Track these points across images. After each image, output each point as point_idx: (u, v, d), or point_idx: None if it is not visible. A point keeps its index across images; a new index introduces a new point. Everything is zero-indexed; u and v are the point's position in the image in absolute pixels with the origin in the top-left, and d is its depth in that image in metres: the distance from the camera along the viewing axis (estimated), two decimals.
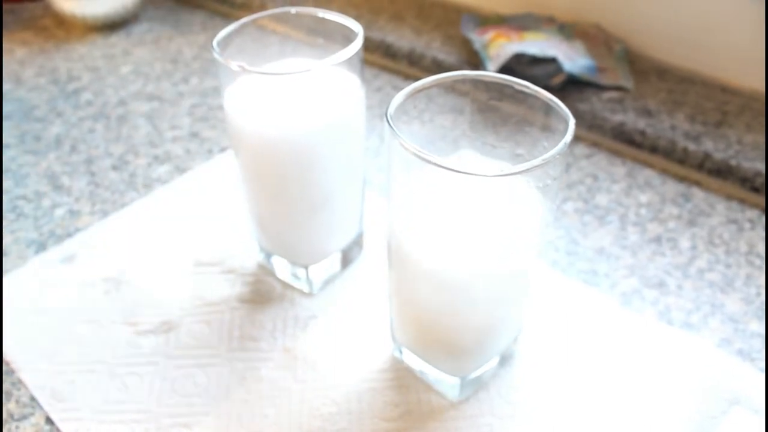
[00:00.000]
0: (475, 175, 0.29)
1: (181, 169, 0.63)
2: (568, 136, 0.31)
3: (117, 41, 0.87)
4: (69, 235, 0.55)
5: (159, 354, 0.44)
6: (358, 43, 0.40)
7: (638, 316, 0.45)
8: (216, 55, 0.39)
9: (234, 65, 0.38)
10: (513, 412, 0.39)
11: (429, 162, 0.30)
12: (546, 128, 0.34)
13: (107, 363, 0.43)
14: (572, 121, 0.31)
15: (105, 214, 0.57)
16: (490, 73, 0.35)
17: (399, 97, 0.33)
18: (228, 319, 0.46)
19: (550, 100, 0.33)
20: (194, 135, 0.68)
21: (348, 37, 0.41)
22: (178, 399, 0.41)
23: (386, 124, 0.31)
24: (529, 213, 0.33)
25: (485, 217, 0.33)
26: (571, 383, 0.41)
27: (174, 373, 0.43)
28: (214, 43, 0.40)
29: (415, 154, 0.30)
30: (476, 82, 0.36)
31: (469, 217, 0.33)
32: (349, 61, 0.40)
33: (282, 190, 0.43)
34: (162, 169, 0.63)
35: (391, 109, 0.32)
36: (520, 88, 0.35)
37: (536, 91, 0.34)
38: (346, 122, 0.42)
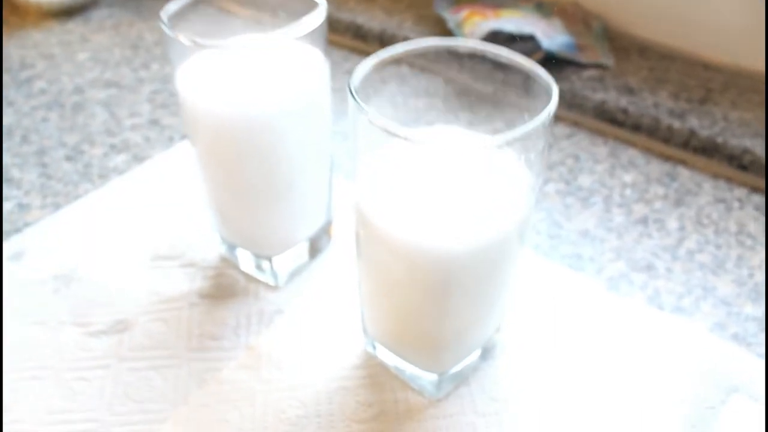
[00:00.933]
0: (454, 148, 0.26)
1: (139, 158, 0.59)
2: (552, 104, 0.28)
3: (74, 27, 0.83)
4: (17, 230, 0.51)
5: (111, 356, 0.40)
6: (320, 14, 0.36)
7: (627, 301, 0.43)
8: (165, 29, 0.35)
9: (185, 39, 0.34)
10: (497, 409, 0.37)
11: (400, 137, 0.26)
12: (527, 100, 0.31)
13: (54, 368, 0.40)
14: (555, 89, 0.28)
15: (57, 207, 0.53)
16: (465, 41, 0.32)
17: (364, 66, 0.30)
18: (187, 316, 0.43)
19: (530, 69, 0.30)
20: (154, 122, 0.64)
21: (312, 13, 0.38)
22: (132, 405, 0.38)
23: (350, 96, 0.28)
24: (512, 189, 0.30)
25: (463, 193, 0.30)
26: (558, 375, 0.38)
27: (127, 377, 0.39)
28: (164, 16, 0.36)
29: (384, 129, 0.27)
30: (450, 53, 0.33)
31: (446, 194, 0.30)
32: (311, 35, 0.36)
33: (241, 175, 0.39)
34: (119, 159, 0.59)
35: (356, 81, 0.29)
36: (496, 56, 0.31)
37: (514, 59, 0.31)
38: (309, 99, 0.38)
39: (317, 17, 0.36)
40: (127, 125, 0.64)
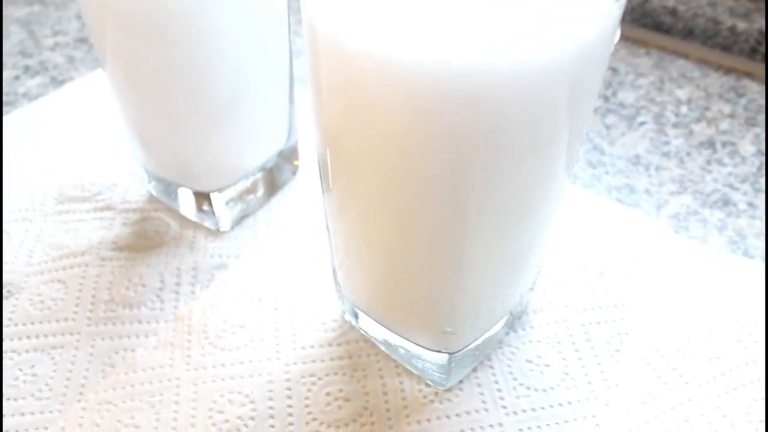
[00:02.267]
0: None
1: (58, 82, 0.46)
2: None
3: None
4: None
5: None
6: None
7: (702, 246, 0.31)
8: None
9: None
10: (533, 403, 0.25)
11: None
12: None
13: None
14: None
15: None
16: None
17: None
18: (94, 274, 0.31)
19: None
20: (82, 41, 0.51)
21: None
22: (6, 404, 0.26)
23: None
24: None
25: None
26: (617, 349, 0.27)
27: (4, 363, 0.27)
28: None
29: None
30: None
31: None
32: None
33: (167, 81, 0.27)
34: (32, 83, 0.46)
35: None
36: None
37: None
38: None
39: None
40: (47, 45, 0.51)
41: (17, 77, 0.47)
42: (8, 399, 0.26)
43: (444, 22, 0.17)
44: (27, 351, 0.28)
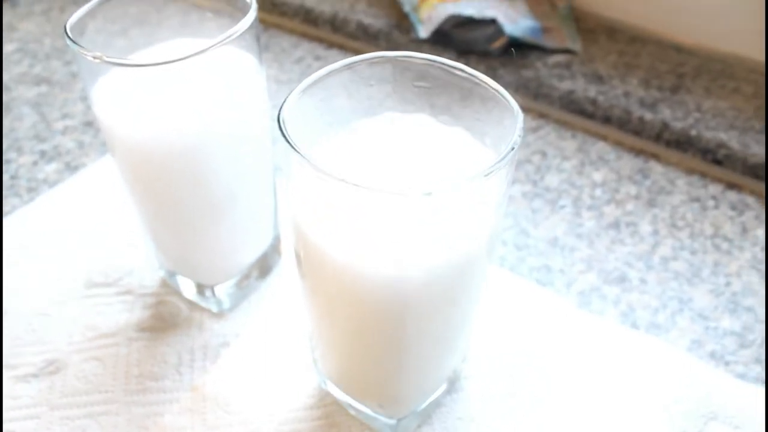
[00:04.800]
0: (399, 194, 0.22)
1: (72, 167, 0.54)
2: (518, 134, 0.24)
3: None
4: None
5: (42, 404, 0.37)
6: (250, 17, 0.32)
7: (599, 319, 0.40)
8: (70, 43, 0.31)
9: (89, 56, 0.30)
10: None
11: (338, 181, 0.23)
12: (489, 106, 0.28)
13: None
14: (521, 118, 0.25)
15: None
16: (416, 54, 0.28)
17: (294, 96, 0.26)
18: (125, 353, 0.39)
19: (495, 90, 0.27)
20: (88, 124, 0.59)
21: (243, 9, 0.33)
22: None
23: (278, 130, 0.24)
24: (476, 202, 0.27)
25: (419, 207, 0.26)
26: (529, 406, 0.36)
27: (60, 429, 0.35)
28: (68, 27, 0.32)
29: (317, 171, 0.23)
30: (397, 63, 0.30)
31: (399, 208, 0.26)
32: (241, 39, 0.32)
33: (172, 203, 0.35)
34: (49, 168, 0.54)
35: (285, 112, 0.25)
36: (452, 71, 0.28)
37: (474, 76, 0.27)
38: (243, 116, 0.34)
39: (246, 21, 0.32)
40: (58, 128, 0.58)
41: (35, 163, 0.55)
42: None
43: (377, 239, 0.25)
44: (78, 418, 0.36)
